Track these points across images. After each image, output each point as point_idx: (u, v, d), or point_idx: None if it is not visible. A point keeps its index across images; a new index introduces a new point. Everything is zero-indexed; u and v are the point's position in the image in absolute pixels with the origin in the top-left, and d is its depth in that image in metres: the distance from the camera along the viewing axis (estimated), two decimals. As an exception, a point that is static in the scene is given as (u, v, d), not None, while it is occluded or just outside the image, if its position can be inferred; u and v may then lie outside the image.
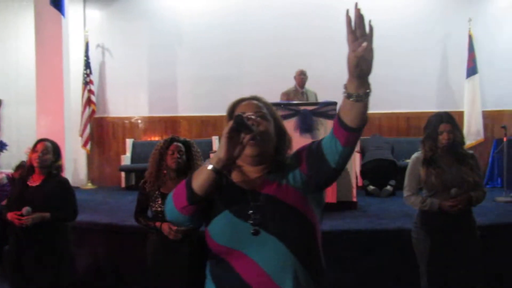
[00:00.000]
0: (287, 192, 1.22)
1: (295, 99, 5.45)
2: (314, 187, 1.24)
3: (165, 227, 2.64)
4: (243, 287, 1.18)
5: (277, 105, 4.48)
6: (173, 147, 2.73)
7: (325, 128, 4.25)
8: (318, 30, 6.49)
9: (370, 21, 1.03)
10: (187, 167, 2.75)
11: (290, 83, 6.08)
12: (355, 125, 1.10)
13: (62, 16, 5.28)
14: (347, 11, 1.03)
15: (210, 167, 1.15)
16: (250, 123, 1.18)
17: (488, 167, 5.97)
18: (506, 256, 3.37)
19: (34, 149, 2.85)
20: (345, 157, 1.16)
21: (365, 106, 1.09)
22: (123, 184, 6.40)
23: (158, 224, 2.68)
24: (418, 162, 2.58)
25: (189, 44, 6.84)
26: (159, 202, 2.71)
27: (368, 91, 1.08)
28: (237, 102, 1.35)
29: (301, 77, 5.71)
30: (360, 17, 1.02)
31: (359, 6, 1.03)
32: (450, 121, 2.53)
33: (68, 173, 5.24)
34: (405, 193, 2.63)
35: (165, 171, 2.75)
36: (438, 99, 6.47)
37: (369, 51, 1.02)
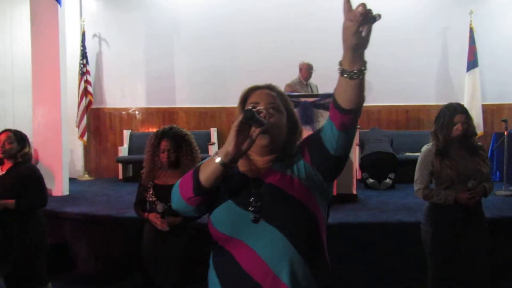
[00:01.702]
0: (291, 183, 1.19)
1: (300, 91, 5.39)
2: (319, 178, 1.20)
3: (151, 217, 2.65)
4: (242, 275, 1.17)
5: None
6: (162, 145, 2.69)
7: (325, 120, 4.21)
8: (316, 20, 6.41)
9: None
10: (179, 161, 2.72)
11: (288, 74, 6.03)
12: (349, 107, 1.05)
13: (58, 5, 5.18)
14: None
15: (218, 160, 1.12)
16: (262, 115, 1.14)
17: (488, 161, 5.96)
18: (507, 250, 3.37)
19: None
20: (343, 143, 1.11)
21: (360, 85, 1.02)
22: (120, 176, 6.36)
23: (146, 214, 2.69)
24: (430, 154, 2.52)
25: (186, 34, 6.76)
26: (151, 192, 2.71)
27: (363, 68, 1.01)
28: (250, 90, 1.31)
29: (310, 71, 5.66)
30: None
31: None
32: (465, 112, 2.50)
33: (65, 164, 5.19)
34: (417, 186, 2.56)
35: (159, 165, 2.74)
36: (438, 92, 6.43)
37: (367, 20, 0.95)
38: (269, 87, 1.31)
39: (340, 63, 1.02)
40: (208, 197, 1.19)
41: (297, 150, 1.25)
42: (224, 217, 1.20)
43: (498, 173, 5.67)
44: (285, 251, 1.15)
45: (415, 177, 2.58)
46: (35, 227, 2.88)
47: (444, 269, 2.50)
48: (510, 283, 3.23)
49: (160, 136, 2.72)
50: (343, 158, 1.16)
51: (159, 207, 2.62)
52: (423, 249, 2.60)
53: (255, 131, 1.11)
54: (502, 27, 6.38)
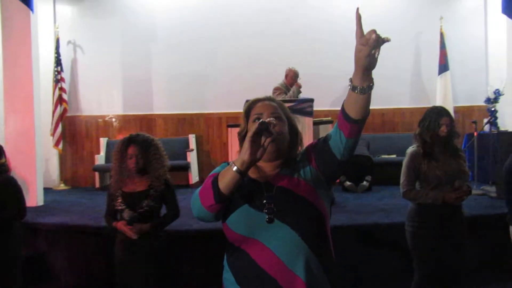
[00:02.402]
0: (298, 185, 1.33)
1: (285, 95, 5.33)
2: (323, 180, 1.35)
3: (120, 226, 2.63)
4: (258, 272, 1.28)
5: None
6: (130, 150, 2.68)
7: (302, 125, 4.26)
8: (295, 27, 6.51)
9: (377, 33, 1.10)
10: (147, 167, 2.70)
11: (268, 80, 6.08)
12: (358, 117, 1.21)
13: (30, 11, 5.09)
14: (357, 9, 1.11)
15: (235, 168, 1.24)
16: (272, 126, 1.27)
17: (460, 161, 6.13)
18: (480, 246, 3.47)
19: None
20: (349, 148, 1.27)
21: (368, 99, 1.18)
22: (97, 184, 6.26)
23: (115, 223, 2.66)
24: (417, 156, 2.58)
25: (163, 40, 6.73)
26: (119, 201, 2.68)
27: (371, 84, 1.16)
28: (253, 103, 1.45)
29: (295, 79, 5.52)
30: (359, 19, 1.12)
31: (359, 11, 1.12)
32: (449, 115, 2.63)
33: (39, 174, 5.08)
34: (403, 188, 2.61)
35: (127, 172, 2.71)
36: (411, 95, 6.60)
37: (378, 44, 1.09)
38: (270, 99, 1.46)
39: (351, 80, 1.17)
40: (226, 204, 1.31)
41: (302, 156, 1.39)
42: (240, 220, 1.32)
43: (470, 173, 5.83)
44: (297, 247, 1.28)
45: (402, 180, 2.63)
46: (11, 239, 2.80)
47: (429, 268, 2.56)
48: (482, 277, 3.33)
49: (127, 142, 2.70)
50: (346, 162, 1.30)
51: (126, 214, 2.60)
52: (408, 249, 2.65)
53: (266, 140, 1.23)
54: (471, 31, 6.61)
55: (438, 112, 2.61)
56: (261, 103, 1.43)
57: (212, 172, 1.38)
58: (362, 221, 3.81)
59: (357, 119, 1.20)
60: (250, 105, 1.44)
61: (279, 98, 4.88)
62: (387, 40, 1.09)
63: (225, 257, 1.41)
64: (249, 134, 1.23)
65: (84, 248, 3.76)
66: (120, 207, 2.68)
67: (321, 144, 1.33)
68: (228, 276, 1.37)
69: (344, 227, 3.65)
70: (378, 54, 1.11)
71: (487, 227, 3.77)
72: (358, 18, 1.11)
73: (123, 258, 2.67)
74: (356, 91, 1.16)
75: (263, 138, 1.23)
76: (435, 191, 2.53)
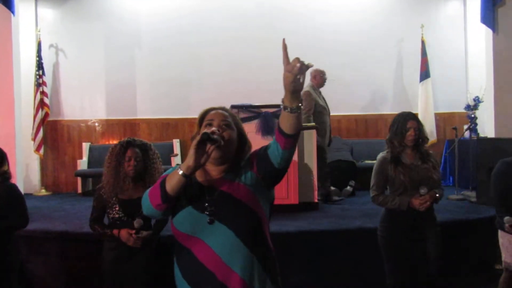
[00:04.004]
0: (238, 189, 1.47)
1: (316, 98, 5.05)
2: (264, 185, 1.49)
3: (123, 233, 2.57)
4: (200, 267, 1.43)
5: (238, 107, 4.47)
6: (129, 153, 2.62)
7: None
8: (280, 32, 6.55)
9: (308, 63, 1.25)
10: (144, 171, 2.66)
11: (249, 85, 6.11)
12: (291, 132, 1.34)
13: (12, 14, 5.02)
14: (283, 40, 1.29)
15: (180, 172, 1.38)
16: (216, 135, 1.41)
17: (441, 166, 6.25)
18: (459, 250, 3.54)
19: None
20: (286, 159, 1.41)
21: (298, 117, 1.33)
22: (79, 190, 6.16)
23: (116, 231, 2.60)
24: (385, 161, 2.63)
25: (147, 44, 6.70)
26: (117, 209, 2.63)
27: (300, 104, 1.31)
28: (207, 111, 1.57)
29: (324, 77, 5.15)
30: (285, 48, 1.29)
31: (285, 42, 1.30)
32: (416, 118, 2.66)
33: (19, 179, 4.98)
34: (373, 192, 2.66)
35: (123, 177, 2.64)
36: (394, 102, 6.70)
37: (302, 71, 1.24)
38: (223, 109, 1.59)
39: (282, 101, 1.32)
40: (173, 203, 1.45)
41: (245, 162, 1.52)
42: (184, 220, 1.46)
43: (451, 178, 5.95)
44: (235, 246, 1.42)
45: (371, 184, 2.68)
46: (10, 246, 2.73)
47: (401, 273, 2.59)
48: (462, 279, 3.39)
49: (126, 145, 2.65)
50: (284, 170, 1.45)
51: (137, 223, 2.52)
52: (381, 254, 2.69)
53: (210, 147, 1.38)
54: (451, 39, 6.77)
55: (405, 116, 2.65)
56: (214, 111, 1.56)
57: (164, 173, 1.51)
58: (346, 226, 3.84)
59: (290, 134, 1.34)
60: (205, 113, 1.57)
61: (305, 107, 4.73)
62: (310, 66, 1.25)
63: (174, 254, 1.54)
64: (194, 142, 1.37)
65: (65, 254, 3.69)
66: (117, 215, 2.62)
67: (262, 153, 1.46)
68: (176, 272, 1.52)
69: (329, 231, 3.67)
70: (303, 79, 1.27)
71: (467, 231, 3.85)
72: (284, 47, 1.27)
73: (116, 267, 2.62)
74: (287, 111, 1.31)
75: (208, 145, 1.38)
76: (401, 197, 2.57)
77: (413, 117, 2.66)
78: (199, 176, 1.51)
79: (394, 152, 2.61)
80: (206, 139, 1.37)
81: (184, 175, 1.38)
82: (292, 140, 1.36)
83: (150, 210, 1.48)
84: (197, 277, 1.44)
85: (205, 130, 1.43)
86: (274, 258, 1.54)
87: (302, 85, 1.29)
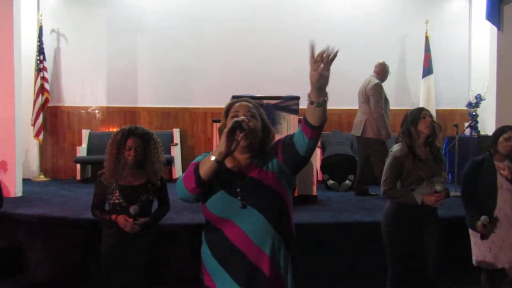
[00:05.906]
0: (266, 175, 1.59)
1: (383, 93, 5.14)
2: (287, 172, 1.61)
3: (120, 219, 2.58)
4: (231, 247, 1.55)
5: (239, 97, 4.44)
6: (130, 142, 2.62)
7: (287, 122, 4.27)
8: (283, 24, 6.52)
9: (333, 49, 1.36)
10: (144, 160, 2.66)
11: (251, 76, 6.08)
12: (317, 124, 1.47)
13: (13, -2, 4.96)
14: (311, 42, 1.36)
15: (213, 158, 1.50)
16: (245, 124, 1.52)
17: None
18: (459, 246, 3.54)
19: None
20: (311, 148, 1.53)
21: (324, 110, 1.45)
22: (78, 177, 6.17)
23: (113, 216, 2.61)
24: (402, 154, 2.59)
25: (150, 32, 6.65)
26: (117, 194, 2.64)
27: (326, 98, 1.43)
28: (232, 103, 1.69)
29: (387, 70, 5.28)
30: (313, 50, 1.37)
31: (313, 44, 1.37)
32: (428, 111, 2.68)
33: (18, 164, 4.96)
34: (385, 186, 2.61)
35: (123, 165, 2.64)
36: (396, 97, 6.66)
37: (326, 70, 1.36)
38: (247, 100, 1.70)
39: (309, 96, 1.44)
40: (206, 188, 1.56)
41: (271, 150, 1.65)
42: (217, 203, 1.58)
43: (450, 175, 5.95)
44: (264, 228, 1.55)
45: (384, 177, 2.63)
46: None
47: (403, 267, 2.60)
48: (459, 275, 3.40)
49: (127, 134, 2.64)
50: (308, 158, 1.58)
51: (132, 209, 2.54)
52: (383, 248, 2.69)
53: (239, 135, 1.49)
54: (455, 36, 6.74)
55: (418, 108, 2.70)
56: (239, 103, 1.67)
57: (195, 160, 1.62)
58: (345, 219, 3.84)
59: (316, 125, 1.47)
60: (231, 105, 1.69)
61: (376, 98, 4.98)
62: (335, 56, 1.35)
63: (203, 233, 1.67)
64: (225, 130, 1.48)
65: (63, 240, 3.69)
66: (117, 201, 2.63)
67: (288, 141, 1.58)
68: (205, 249, 1.64)
69: (327, 224, 3.68)
70: (328, 73, 1.38)
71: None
72: (311, 49, 1.36)
73: (115, 253, 2.63)
74: (313, 105, 1.43)
75: (237, 133, 1.48)
76: (415, 192, 2.55)
77: (425, 109, 2.70)
78: (228, 163, 1.61)
79: (410, 143, 2.58)
80: (237, 127, 1.47)
81: (216, 160, 1.49)
82: (317, 131, 1.48)
83: (185, 194, 1.57)
84: (227, 256, 1.57)
85: (236, 119, 1.52)
86: (295, 239, 1.67)
87: (327, 81, 1.39)
